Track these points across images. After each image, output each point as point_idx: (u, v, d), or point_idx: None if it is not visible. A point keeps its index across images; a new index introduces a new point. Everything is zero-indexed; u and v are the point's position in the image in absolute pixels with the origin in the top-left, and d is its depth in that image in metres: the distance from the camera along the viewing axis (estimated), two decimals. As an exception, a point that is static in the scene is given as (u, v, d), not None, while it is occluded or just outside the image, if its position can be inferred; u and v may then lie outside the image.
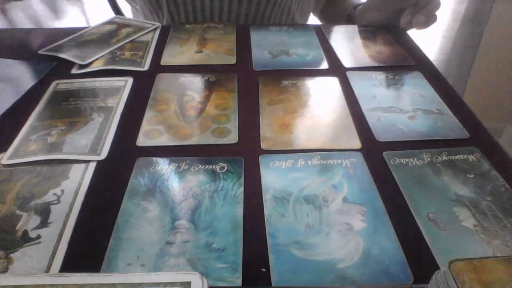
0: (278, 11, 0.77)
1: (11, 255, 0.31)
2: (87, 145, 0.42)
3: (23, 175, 0.38)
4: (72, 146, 0.42)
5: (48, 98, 0.50)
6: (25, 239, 0.32)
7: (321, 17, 0.90)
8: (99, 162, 0.40)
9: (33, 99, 0.50)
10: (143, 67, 0.57)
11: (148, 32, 0.67)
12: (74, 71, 0.56)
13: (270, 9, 0.75)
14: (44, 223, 0.34)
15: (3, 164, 0.40)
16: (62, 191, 0.37)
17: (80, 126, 0.45)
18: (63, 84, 0.53)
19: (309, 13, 0.88)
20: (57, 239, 0.32)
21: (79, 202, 0.36)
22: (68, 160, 0.40)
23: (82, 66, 0.56)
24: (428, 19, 0.62)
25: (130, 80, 0.54)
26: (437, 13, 0.63)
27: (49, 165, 0.39)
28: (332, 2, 0.86)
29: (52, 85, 0.53)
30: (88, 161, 0.40)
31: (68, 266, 0.31)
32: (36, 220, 0.34)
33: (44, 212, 0.35)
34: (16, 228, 0.33)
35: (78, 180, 0.38)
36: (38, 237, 0.32)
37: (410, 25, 0.65)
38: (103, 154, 0.41)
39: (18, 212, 0.35)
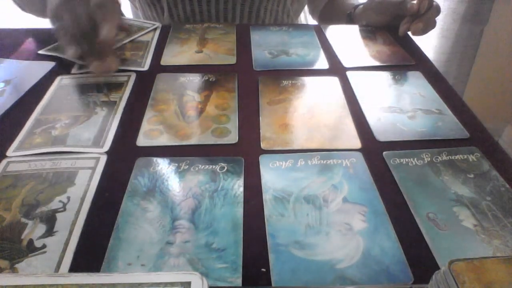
0: (274, 4, 0.78)
1: (16, 265, 0.30)
2: (90, 138, 0.43)
3: (28, 181, 0.38)
4: (76, 139, 0.43)
5: (52, 92, 0.51)
6: (30, 248, 0.31)
7: (320, 19, 0.89)
8: (105, 166, 0.40)
9: (37, 94, 0.51)
10: (143, 67, 0.57)
11: (148, 32, 0.67)
12: (74, 71, 0.56)
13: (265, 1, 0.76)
14: (49, 232, 0.33)
15: (8, 156, 0.40)
16: (68, 198, 0.36)
17: (84, 120, 0.46)
18: (67, 79, 0.54)
19: (303, 6, 0.88)
20: (63, 249, 0.31)
21: (85, 209, 0.35)
22: (74, 163, 0.40)
23: (82, 66, 0.56)
24: (427, 26, 0.62)
25: (133, 75, 0.55)
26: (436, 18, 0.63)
27: (54, 170, 0.39)
28: (332, 3, 0.86)
29: (57, 80, 0.54)
30: (94, 167, 0.40)
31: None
32: (41, 228, 0.33)
33: (50, 220, 0.34)
34: (22, 237, 0.32)
35: (85, 186, 0.37)
36: (44, 246, 0.32)
37: (408, 31, 0.65)
38: (106, 147, 0.42)
39: (23, 220, 0.34)
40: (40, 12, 0.72)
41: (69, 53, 0.51)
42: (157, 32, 0.67)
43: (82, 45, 0.51)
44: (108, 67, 0.52)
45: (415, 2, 0.61)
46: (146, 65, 0.58)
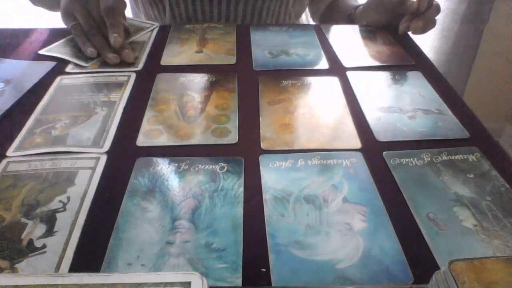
0: (276, 5, 0.78)
1: (16, 265, 0.30)
2: (90, 138, 0.43)
3: (29, 180, 0.38)
4: (76, 139, 0.43)
5: (52, 92, 0.51)
6: (30, 248, 0.31)
7: (321, 23, 0.90)
8: (105, 166, 0.40)
9: (37, 94, 0.51)
10: (136, 67, 0.57)
11: (147, 32, 0.67)
12: (68, 69, 0.56)
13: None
14: (49, 232, 0.33)
15: (8, 156, 0.40)
16: (68, 198, 0.36)
17: (84, 120, 0.46)
18: (67, 79, 0.54)
19: (304, 7, 0.88)
20: (63, 249, 0.31)
21: (85, 209, 0.35)
22: (74, 163, 0.40)
23: (78, 66, 0.57)
24: (426, 25, 0.62)
25: (133, 76, 0.55)
26: (436, 17, 0.63)
27: (54, 170, 0.39)
28: (333, 6, 0.86)
29: (57, 80, 0.54)
30: (94, 167, 0.39)
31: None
32: (41, 228, 0.33)
33: (50, 220, 0.34)
34: (22, 237, 0.32)
35: (85, 186, 0.37)
36: (44, 246, 0.32)
37: (408, 30, 0.65)
38: (106, 147, 0.42)
39: (23, 220, 0.34)
40: (50, 6, 0.73)
41: (88, 53, 0.57)
42: (154, 32, 0.67)
43: (95, 42, 0.57)
44: (125, 58, 0.57)
45: (415, 0, 0.61)
46: (139, 65, 0.58)
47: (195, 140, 0.43)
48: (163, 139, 0.43)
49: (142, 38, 0.65)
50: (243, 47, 0.63)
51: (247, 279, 0.29)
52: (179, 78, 0.54)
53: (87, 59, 0.58)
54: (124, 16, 0.62)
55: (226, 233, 0.33)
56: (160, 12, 0.78)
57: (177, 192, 0.37)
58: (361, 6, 0.73)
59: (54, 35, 0.65)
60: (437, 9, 0.63)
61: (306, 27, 0.72)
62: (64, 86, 0.52)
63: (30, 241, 0.32)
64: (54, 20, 0.75)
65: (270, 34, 0.67)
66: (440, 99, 0.50)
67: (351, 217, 0.34)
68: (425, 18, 0.62)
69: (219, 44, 0.63)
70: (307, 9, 0.92)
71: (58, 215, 0.34)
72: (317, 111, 0.48)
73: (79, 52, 0.59)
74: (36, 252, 0.31)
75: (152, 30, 0.68)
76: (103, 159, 0.41)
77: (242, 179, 0.38)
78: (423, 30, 0.62)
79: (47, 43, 0.62)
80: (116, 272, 0.29)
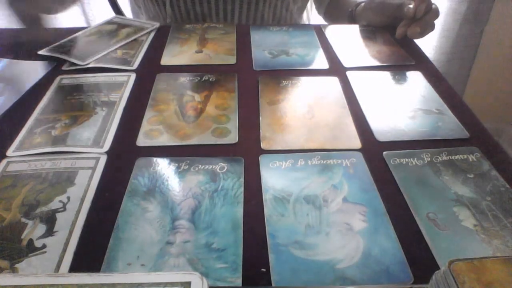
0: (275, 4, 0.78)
1: (16, 265, 0.30)
2: (90, 138, 0.43)
3: (29, 180, 0.38)
4: (76, 139, 0.43)
5: (52, 92, 0.51)
6: (30, 248, 0.32)
7: (325, 16, 0.90)
8: (105, 166, 0.40)
9: (37, 94, 0.51)
10: (132, 66, 0.57)
11: (148, 32, 0.67)
12: (65, 67, 0.56)
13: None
14: (49, 232, 0.33)
15: (8, 156, 0.40)
16: (68, 198, 0.36)
17: (84, 120, 0.46)
18: (67, 79, 0.54)
19: (305, 3, 0.89)
20: (63, 249, 0.32)
21: (85, 209, 0.35)
22: (74, 163, 0.40)
23: (73, 64, 0.57)
24: (424, 29, 0.62)
25: (132, 76, 0.55)
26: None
27: (54, 170, 0.39)
28: (335, 2, 0.86)
29: (57, 80, 0.54)
30: (94, 167, 0.39)
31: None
32: (41, 228, 0.33)
33: (50, 220, 0.34)
34: (22, 237, 0.32)
35: (85, 186, 0.37)
36: (44, 246, 0.32)
37: (405, 34, 0.65)
38: (106, 147, 0.42)
39: (23, 220, 0.34)
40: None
41: None
42: (153, 32, 0.67)
43: None
44: None
45: (411, 6, 0.61)
46: (135, 64, 0.57)
47: (195, 140, 0.43)
48: (163, 139, 0.43)
49: (141, 38, 0.65)
50: (243, 47, 0.63)
51: (247, 279, 0.29)
52: (179, 78, 0.54)
53: (84, 59, 0.58)
54: None
55: (226, 233, 0.33)
56: (161, 8, 0.78)
57: (177, 192, 0.37)
58: (362, 4, 0.73)
59: (54, 35, 0.65)
60: (436, 14, 0.62)
61: (306, 27, 0.72)
62: (64, 86, 0.52)
63: (30, 241, 0.32)
64: (54, 20, 0.75)
65: (270, 34, 0.67)
66: (440, 99, 0.50)
67: (351, 217, 0.34)
68: (423, 23, 0.61)
69: (219, 44, 0.63)
70: (308, 8, 0.92)
71: (58, 215, 0.34)
72: (317, 111, 0.48)
73: (78, 53, 0.59)
74: (36, 252, 0.31)
75: (153, 30, 0.68)
76: (103, 159, 0.41)
77: (242, 179, 0.38)
78: (420, 34, 0.62)
79: (47, 43, 0.62)
80: (116, 272, 0.29)
